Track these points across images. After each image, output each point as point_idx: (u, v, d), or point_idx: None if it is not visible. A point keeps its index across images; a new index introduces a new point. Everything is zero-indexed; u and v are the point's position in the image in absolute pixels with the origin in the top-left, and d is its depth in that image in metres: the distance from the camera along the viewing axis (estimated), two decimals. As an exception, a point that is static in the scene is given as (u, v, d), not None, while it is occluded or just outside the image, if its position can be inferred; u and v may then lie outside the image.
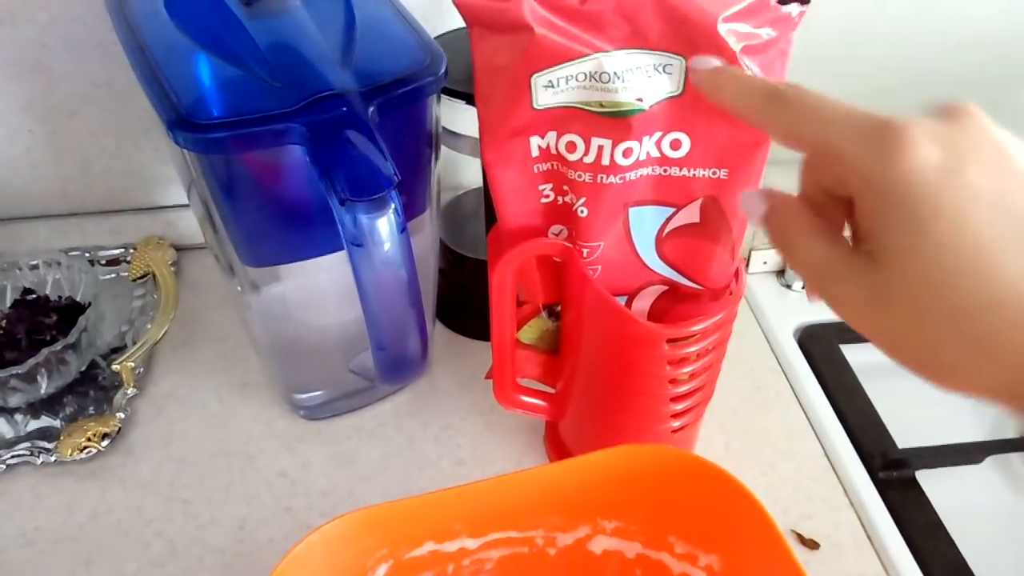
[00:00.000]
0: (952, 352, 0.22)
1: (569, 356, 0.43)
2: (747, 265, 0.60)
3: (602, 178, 0.34)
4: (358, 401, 0.51)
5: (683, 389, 0.40)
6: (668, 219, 0.37)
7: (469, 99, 0.43)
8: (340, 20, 0.39)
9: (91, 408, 0.50)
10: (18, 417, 0.50)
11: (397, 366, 0.41)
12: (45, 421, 0.50)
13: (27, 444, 0.48)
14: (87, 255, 0.59)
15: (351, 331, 0.45)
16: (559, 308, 0.44)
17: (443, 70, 0.37)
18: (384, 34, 0.40)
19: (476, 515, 0.35)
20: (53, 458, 0.47)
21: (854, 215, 0.24)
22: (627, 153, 0.33)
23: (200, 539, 0.44)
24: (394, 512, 0.33)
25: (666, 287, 0.39)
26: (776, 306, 0.58)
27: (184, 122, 0.33)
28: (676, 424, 0.42)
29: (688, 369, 0.40)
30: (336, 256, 0.37)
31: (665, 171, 0.35)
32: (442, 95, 0.43)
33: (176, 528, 0.45)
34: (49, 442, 0.48)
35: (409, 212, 0.39)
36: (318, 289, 0.46)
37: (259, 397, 0.52)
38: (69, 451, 0.47)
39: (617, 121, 0.32)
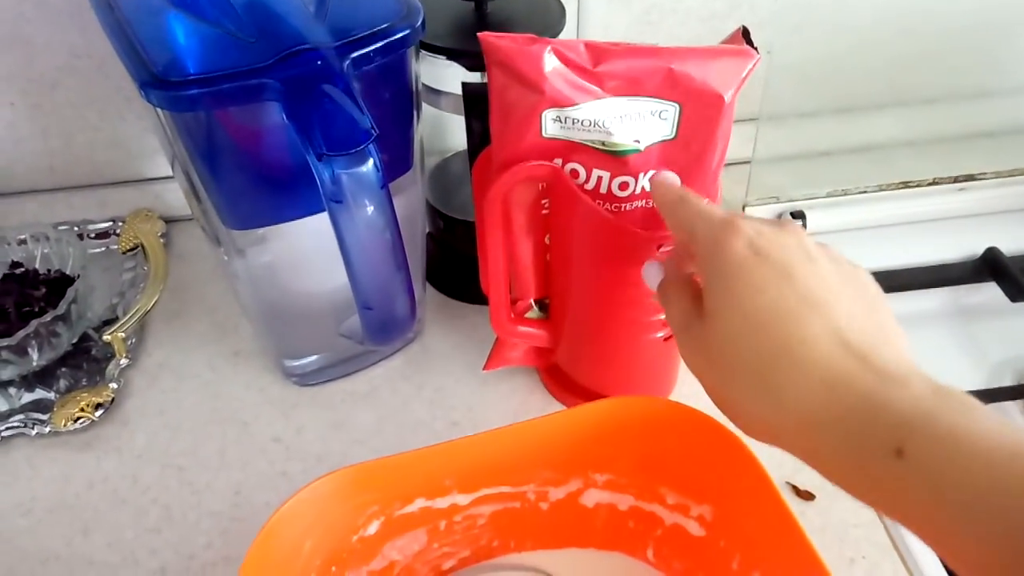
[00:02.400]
0: (750, 400, 0.27)
1: (560, 281, 0.43)
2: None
3: (600, 203, 0.38)
4: (350, 366, 0.51)
5: None
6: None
7: (449, 54, 0.43)
8: (314, -25, 0.39)
9: (84, 380, 0.50)
10: (11, 390, 0.50)
11: (385, 326, 0.40)
12: (39, 393, 0.50)
13: (21, 416, 0.48)
14: (75, 229, 0.58)
15: (340, 296, 0.45)
16: (548, 301, 0.46)
17: (420, 22, 0.37)
18: (359, -12, 0.39)
19: (467, 470, 0.35)
20: (48, 429, 0.47)
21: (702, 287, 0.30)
22: (623, 187, 0.38)
23: (196, 505, 0.44)
24: (384, 468, 0.33)
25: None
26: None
27: (157, 80, 0.33)
28: (664, 333, 0.43)
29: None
30: (322, 220, 0.36)
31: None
32: (422, 51, 0.42)
33: (172, 495, 0.45)
34: (43, 414, 0.48)
35: (392, 170, 0.39)
36: (305, 254, 0.46)
37: (251, 365, 0.52)
38: (63, 422, 0.47)
39: (616, 159, 0.36)
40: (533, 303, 0.46)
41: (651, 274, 0.36)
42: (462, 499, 0.36)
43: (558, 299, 0.44)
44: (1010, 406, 0.49)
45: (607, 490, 0.37)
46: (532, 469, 0.36)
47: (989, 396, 0.49)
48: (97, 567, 0.42)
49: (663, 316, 0.41)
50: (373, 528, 0.34)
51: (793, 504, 0.34)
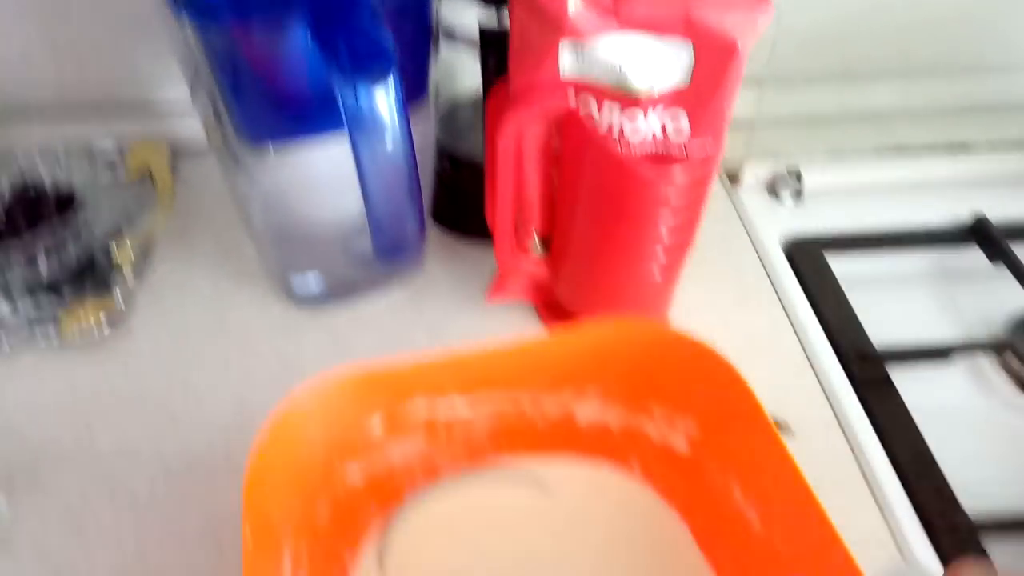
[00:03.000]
0: None
1: (565, 217, 0.44)
2: (740, 178, 0.61)
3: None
4: (353, 293, 0.52)
5: (669, 224, 0.42)
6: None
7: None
8: None
9: (91, 295, 0.51)
10: (19, 302, 0.51)
11: (394, 246, 0.42)
12: (46, 306, 0.51)
13: (29, 326, 0.49)
14: (85, 153, 0.59)
15: (348, 223, 0.46)
16: (550, 239, 0.47)
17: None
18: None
19: (468, 377, 0.37)
20: (55, 339, 0.48)
21: None
22: (634, 131, 0.38)
23: (200, 414, 0.46)
24: (385, 370, 0.35)
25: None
26: (766, 218, 0.60)
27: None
28: (663, 260, 0.44)
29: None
30: (337, 147, 0.37)
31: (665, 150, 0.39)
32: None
33: (177, 404, 0.46)
34: (51, 325, 0.49)
35: (409, 97, 0.40)
36: (318, 180, 0.47)
37: (255, 287, 0.53)
38: (71, 332, 0.48)
39: (629, 101, 0.37)
40: (536, 239, 0.47)
41: None
42: (461, 402, 0.37)
43: (561, 233, 0.46)
44: (983, 360, 0.51)
45: (599, 405, 0.39)
46: (530, 380, 0.38)
47: (965, 349, 0.51)
48: (103, 466, 0.43)
49: (664, 246, 0.43)
50: (375, 427, 0.36)
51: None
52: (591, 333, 0.36)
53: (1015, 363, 0.51)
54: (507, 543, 0.37)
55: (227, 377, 0.48)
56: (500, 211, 0.44)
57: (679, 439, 0.37)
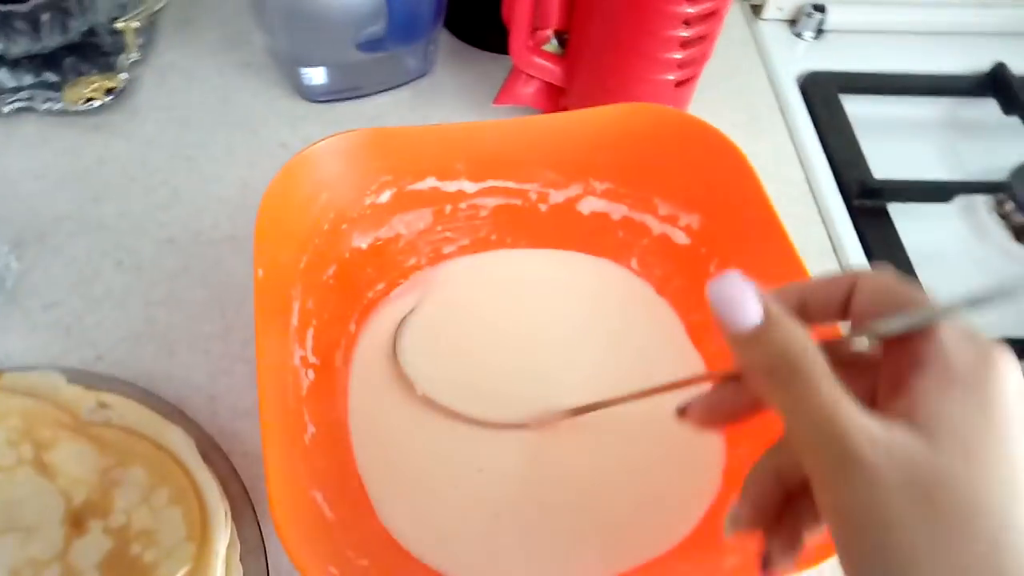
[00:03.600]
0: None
1: (584, 10, 0.43)
2: (763, 7, 0.60)
3: None
4: (359, 88, 0.51)
5: (688, 33, 0.41)
6: None
7: None
8: None
9: (95, 70, 0.50)
10: (20, 71, 0.50)
11: (408, 22, 0.41)
12: (48, 76, 0.50)
13: (30, 91, 0.48)
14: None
15: (359, 10, 0.45)
16: (567, 36, 0.45)
17: None
18: None
19: (478, 156, 0.37)
20: (58, 106, 0.47)
21: None
22: None
23: (204, 191, 0.46)
24: (400, 136, 0.35)
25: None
26: (784, 52, 0.58)
27: None
28: (679, 74, 0.43)
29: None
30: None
31: None
32: None
33: (181, 179, 0.46)
34: (53, 91, 0.48)
35: None
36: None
37: (261, 77, 0.52)
38: (74, 99, 0.47)
39: None
40: (552, 36, 0.46)
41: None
42: (469, 186, 0.38)
43: (579, 30, 0.44)
44: (980, 205, 0.52)
45: (604, 198, 0.39)
46: (538, 168, 0.38)
47: (963, 191, 0.51)
48: (108, 231, 0.44)
49: (683, 55, 0.42)
50: (385, 197, 0.36)
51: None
52: (602, 115, 0.36)
53: (1009, 207, 0.51)
54: (510, 322, 0.39)
55: (231, 161, 0.48)
56: (519, 3, 0.42)
57: (679, 233, 0.38)
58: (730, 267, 0.36)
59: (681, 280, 0.39)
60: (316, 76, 0.50)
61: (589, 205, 0.39)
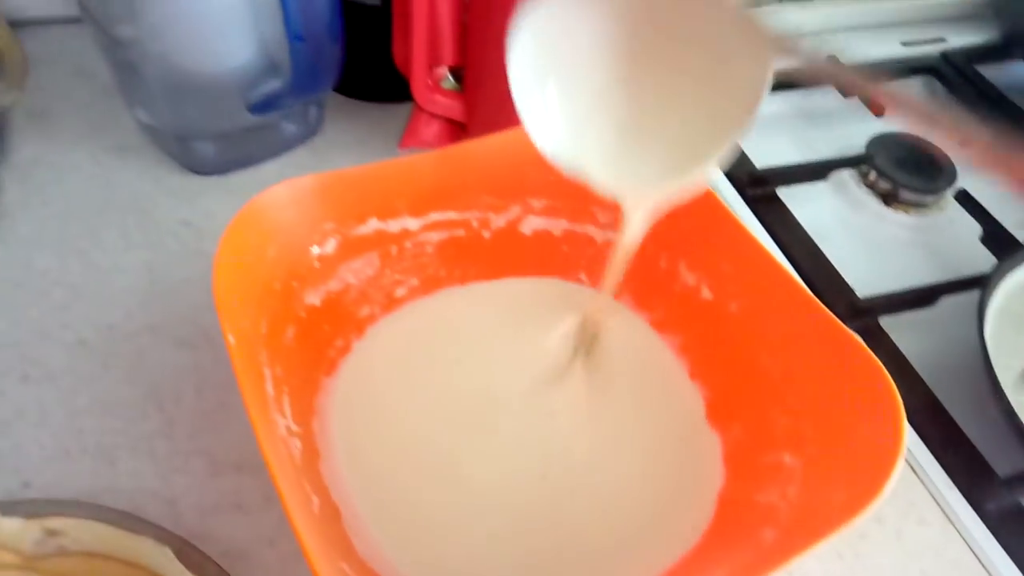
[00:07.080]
0: None
1: (478, 43, 0.44)
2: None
3: None
4: (254, 155, 0.49)
5: None
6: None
7: None
8: None
9: (-57, 176, 0.45)
10: None
11: (313, 67, 0.40)
12: None
13: None
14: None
15: (242, 74, 0.43)
16: (463, 72, 0.46)
17: None
18: None
19: (417, 191, 0.36)
20: (-90, 220, 0.42)
21: None
22: None
23: (106, 283, 0.42)
24: (338, 180, 0.34)
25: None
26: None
27: None
28: None
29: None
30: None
31: None
32: None
33: (76, 276, 0.42)
34: (-99, 206, 0.42)
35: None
36: (207, 30, 0.43)
37: (142, 158, 0.49)
38: (-70, 210, 0.42)
39: None
40: (448, 73, 0.47)
41: None
42: (412, 223, 0.37)
43: (475, 68, 0.45)
44: (846, 174, 0.57)
45: (543, 216, 0.39)
46: (476, 193, 0.38)
47: (834, 167, 0.57)
48: (3, 347, 0.39)
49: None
50: (330, 246, 0.35)
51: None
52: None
53: (872, 176, 0.57)
54: (463, 355, 0.38)
55: (128, 247, 0.44)
56: (416, 42, 0.43)
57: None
58: (682, 259, 0.38)
59: (634, 281, 0.40)
60: (206, 150, 0.47)
61: (530, 225, 0.40)
